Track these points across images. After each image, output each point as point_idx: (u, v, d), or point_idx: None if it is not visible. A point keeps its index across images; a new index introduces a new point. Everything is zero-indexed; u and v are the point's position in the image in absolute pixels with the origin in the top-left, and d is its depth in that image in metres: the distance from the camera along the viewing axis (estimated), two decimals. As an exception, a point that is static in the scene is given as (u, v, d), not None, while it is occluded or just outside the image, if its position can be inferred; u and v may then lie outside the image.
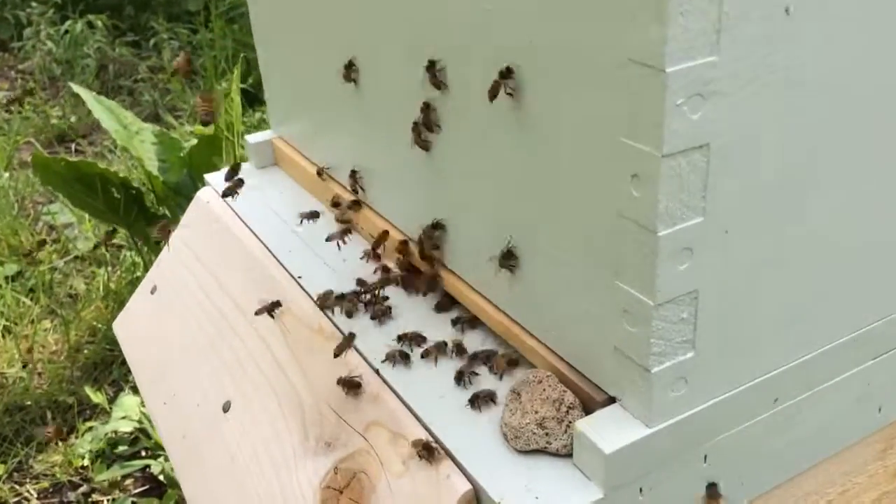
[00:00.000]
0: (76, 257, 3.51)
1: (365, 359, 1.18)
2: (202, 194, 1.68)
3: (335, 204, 1.51)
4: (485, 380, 1.11)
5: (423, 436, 1.02)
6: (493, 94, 0.99)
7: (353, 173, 1.45)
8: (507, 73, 0.98)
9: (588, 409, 1.00)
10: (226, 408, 1.31)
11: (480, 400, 1.06)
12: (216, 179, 1.71)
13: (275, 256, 1.43)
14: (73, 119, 4.70)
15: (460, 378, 1.10)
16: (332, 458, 1.11)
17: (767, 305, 0.97)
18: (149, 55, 5.31)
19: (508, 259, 1.06)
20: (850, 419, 1.14)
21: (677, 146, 0.79)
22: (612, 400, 0.98)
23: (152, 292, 1.63)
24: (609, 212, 0.88)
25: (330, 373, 1.18)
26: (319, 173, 1.55)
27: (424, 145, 1.19)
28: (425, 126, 1.16)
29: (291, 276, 1.38)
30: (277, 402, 1.23)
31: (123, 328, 1.67)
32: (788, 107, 0.86)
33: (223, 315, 1.42)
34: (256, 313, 1.32)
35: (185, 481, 1.31)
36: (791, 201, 0.92)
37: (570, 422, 0.97)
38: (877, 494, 1.24)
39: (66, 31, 5.34)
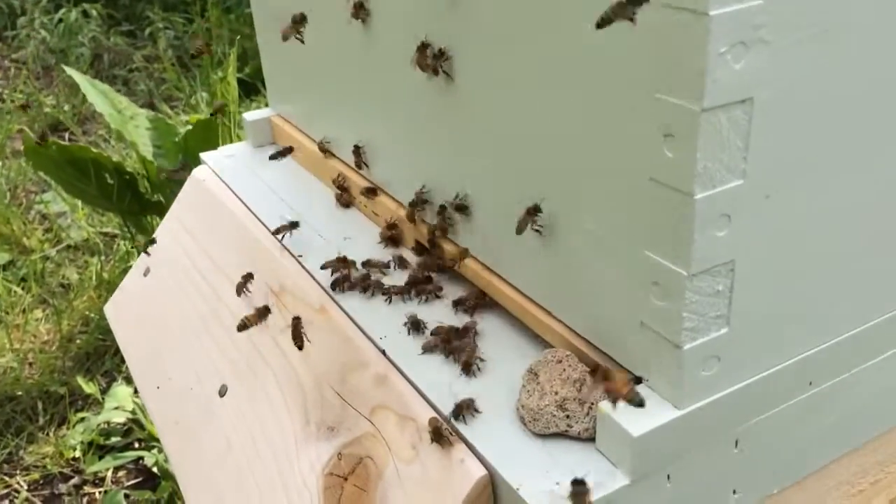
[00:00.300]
0: (69, 246, 3.44)
1: (371, 339, 1.11)
2: (198, 173, 1.61)
3: (340, 188, 1.44)
4: (497, 363, 1.05)
5: (436, 417, 0.95)
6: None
7: (357, 148, 1.38)
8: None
9: (611, 390, 0.93)
10: (222, 392, 1.24)
11: (465, 411, 0.96)
12: (213, 158, 1.65)
13: (274, 235, 1.37)
14: (66, 108, 4.63)
15: (468, 368, 1.03)
16: (335, 443, 1.05)
17: (806, 279, 0.90)
18: (144, 44, 5.24)
19: (535, 214, 0.98)
20: (887, 404, 1.08)
21: (718, 100, 0.72)
22: (637, 380, 0.91)
23: (145, 274, 1.56)
24: (638, 175, 0.81)
25: (332, 354, 1.11)
26: (323, 149, 1.48)
27: (427, 68, 1.09)
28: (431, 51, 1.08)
29: (291, 254, 1.31)
30: (277, 385, 1.17)
31: (115, 310, 1.60)
32: (837, 61, 0.80)
33: (219, 296, 1.35)
34: (238, 292, 1.27)
35: (179, 469, 1.25)
36: (834, 166, 0.86)
37: (592, 403, 0.91)
38: (910, 485, 1.18)
39: (61, 20, 5.28)
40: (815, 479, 1.06)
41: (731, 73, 0.72)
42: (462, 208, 1.15)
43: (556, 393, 0.92)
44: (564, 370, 0.93)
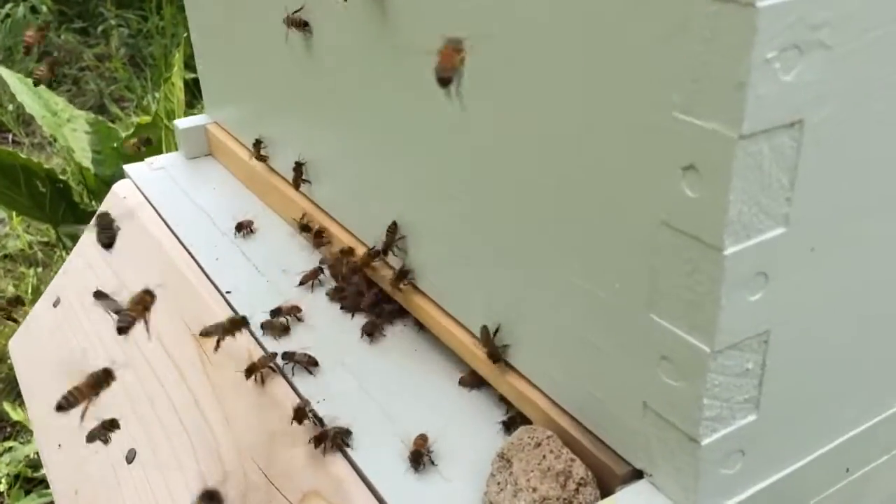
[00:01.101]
0: (5, 256, 3.21)
1: (304, 401, 0.91)
2: (119, 188, 1.40)
3: (304, 228, 1.20)
4: (458, 439, 0.85)
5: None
6: None
7: (298, 165, 1.18)
8: None
9: (604, 485, 0.73)
10: (129, 457, 1.03)
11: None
12: (137, 171, 1.44)
13: (199, 265, 1.16)
14: (10, 108, 4.39)
15: (418, 460, 0.82)
16: (258, 534, 0.84)
17: (849, 351, 0.71)
18: (97, 42, 5.01)
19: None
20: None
21: (761, 122, 0.53)
22: (637, 473, 0.72)
23: (55, 305, 1.34)
24: (645, 219, 0.62)
25: (259, 422, 0.91)
26: (260, 157, 1.27)
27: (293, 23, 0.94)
28: None
29: (218, 290, 1.11)
30: (193, 455, 0.96)
31: (21, 347, 1.38)
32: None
33: (133, 338, 1.14)
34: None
35: (75, 550, 1.04)
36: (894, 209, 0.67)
37: (580, 504, 0.71)
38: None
39: (8, 16, 5.03)
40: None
41: (780, 87, 0.53)
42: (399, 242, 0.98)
43: (535, 490, 0.72)
44: (545, 457, 0.74)
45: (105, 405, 1.11)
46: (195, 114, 3.84)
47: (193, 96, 4.03)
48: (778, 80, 0.53)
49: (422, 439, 0.81)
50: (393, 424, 0.87)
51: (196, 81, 3.91)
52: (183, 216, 1.30)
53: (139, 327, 1.04)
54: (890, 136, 0.62)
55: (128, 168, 1.45)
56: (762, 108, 0.53)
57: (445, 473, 0.80)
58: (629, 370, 0.69)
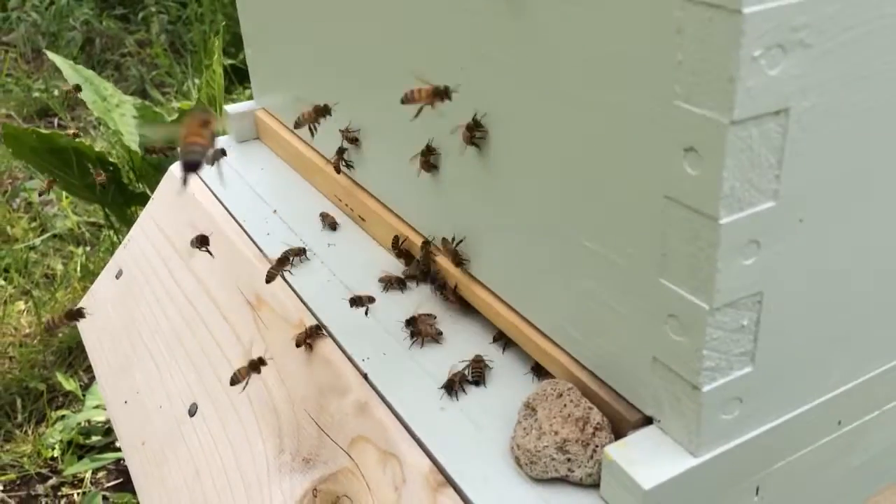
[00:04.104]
0: (54, 236, 3.34)
1: (352, 361, 1.01)
2: (176, 169, 1.51)
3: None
4: (489, 390, 0.95)
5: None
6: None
7: (341, 150, 1.27)
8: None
9: (618, 430, 0.83)
10: (192, 411, 1.14)
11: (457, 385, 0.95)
12: (192, 153, 1.54)
13: (252, 240, 1.26)
14: (56, 93, 4.52)
15: (451, 388, 0.95)
16: (310, 477, 0.95)
17: (839, 312, 0.80)
18: (137, 29, 5.13)
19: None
20: (917, 443, 0.98)
21: (750, 111, 0.62)
22: (647, 420, 0.81)
23: (117, 276, 1.45)
24: (653, 193, 0.71)
25: (310, 377, 1.01)
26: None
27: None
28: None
29: (270, 263, 1.21)
30: (251, 407, 1.07)
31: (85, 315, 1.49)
32: (884, 66, 0.69)
33: (193, 305, 1.25)
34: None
35: (143, 495, 1.15)
36: (876, 187, 0.76)
37: (597, 446, 0.81)
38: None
39: (52, 3, 5.16)
40: (838, 523, 0.96)
41: (766, 80, 0.62)
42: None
43: (556, 433, 0.82)
44: (566, 406, 0.83)
45: (168, 367, 1.22)
46: (234, 99, 3.96)
47: (231, 82, 4.14)
48: (764, 74, 0.62)
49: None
50: (433, 380, 0.97)
51: (234, 67, 4.02)
52: (235, 195, 1.40)
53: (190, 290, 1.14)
54: (867, 123, 0.71)
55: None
56: (750, 98, 0.62)
57: (477, 421, 0.90)
58: (640, 328, 0.78)
